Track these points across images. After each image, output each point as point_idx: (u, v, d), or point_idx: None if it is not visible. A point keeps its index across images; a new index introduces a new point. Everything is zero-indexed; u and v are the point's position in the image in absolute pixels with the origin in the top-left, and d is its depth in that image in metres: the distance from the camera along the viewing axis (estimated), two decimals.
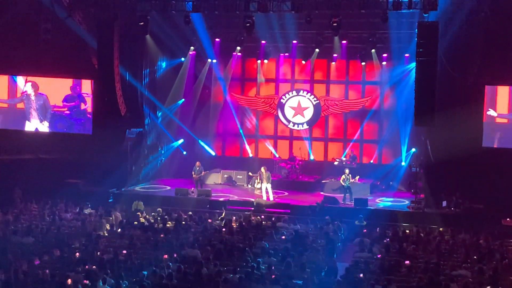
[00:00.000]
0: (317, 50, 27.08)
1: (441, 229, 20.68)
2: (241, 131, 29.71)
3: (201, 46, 28.13)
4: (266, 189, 24.55)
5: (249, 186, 27.06)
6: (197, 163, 25.95)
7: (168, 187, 25.97)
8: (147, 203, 23.03)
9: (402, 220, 22.18)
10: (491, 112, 23.56)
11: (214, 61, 29.02)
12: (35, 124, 26.97)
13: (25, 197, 23.57)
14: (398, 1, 21.01)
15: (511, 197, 22.37)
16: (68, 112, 26.89)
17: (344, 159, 27.37)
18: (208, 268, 14.95)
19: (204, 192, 24.67)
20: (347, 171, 24.61)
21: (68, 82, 26.81)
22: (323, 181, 26.83)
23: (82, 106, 26.74)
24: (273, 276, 14.43)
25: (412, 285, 14.42)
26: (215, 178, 27.84)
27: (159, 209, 22.18)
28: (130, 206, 22.81)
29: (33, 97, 26.93)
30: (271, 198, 24.46)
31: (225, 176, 27.96)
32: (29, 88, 26.99)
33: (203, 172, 25.97)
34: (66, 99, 26.94)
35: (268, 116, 29.80)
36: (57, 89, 26.96)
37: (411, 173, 24.60)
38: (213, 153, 29.75)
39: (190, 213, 21.31)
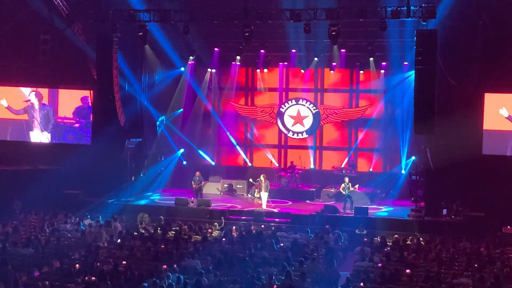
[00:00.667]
0: (316, 59, 27.12)
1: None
2: (233, 141, 29.70)
3: (201, 56, 28.19)
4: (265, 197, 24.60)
5: (249, 195, 27.00)
6: (197, 173, 25.96)
7: (172, 197, 25.83)
8: (145, 213, 22.97)
9: (402, 228, 22.10)
10: (503, 112, 23.54)
11: (213, 70, 29.06)
12: (37, 134, 27.05)
13: (24, 208, 23.51)
14: (397, 9, 21.06)
15: None
16: (77, 124, 26.94)
17: (343, 167, 27.32)
18: (208, 278, 14.89)
19: (204, 202, 24.61)
20: (346, 179, 24.58)
21: (79, 93, 26.91)
22: (323, 190, 26.84)
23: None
24: (274, 286, 14.37)
25: None
26: (215, 188, 27.78)
27: (161, 216, 22.18)
28: (130, 217, 22.81)
29: (36, 107, 27.01)
30: (264, 207, 24.46)
31: (225, 185, 27.93)
32: (33, 98, 27.06)
33: (203, 182, 25.94)
34: (76, 110, 27.01)
35: (268, 125, 29.75)
36: (66, 100, 26.99)
37: (411, 181, 24.55)
38: (213, 163, 29.72)
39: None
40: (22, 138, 27.28)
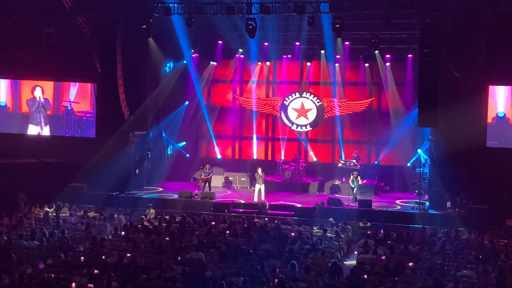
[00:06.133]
0: (322, 51, 27.07)
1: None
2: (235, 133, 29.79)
3: (204, 49, 28.17)
4: (260, 190, 24.58)
5: (253, 188, 27.02)
6: (207, 165, 26.07)
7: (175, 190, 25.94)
8: (149, 205, 23.05)
9: (406, 221, 22.11)
10: None
11: (214, 63, 29.02)
12: (42, 128, 27.21)
13: (29, 201, 23.56)
14: (401, 1, 20.99)
15: None
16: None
17: (348, 160, 27.28)
18: (213, 270, 14.93)
19: (208, 195, 24.66)
20: (355, 173, 24.53)
21: None
22: (326, 183, 26.87)
23: None
24: (275, 280, 14.38)
25: (417, 286, 14.41)
26: (218, 180, 27.81)
27: (163, 213, 22.31)
28: (134, 209, 22.87)
29: (41, 101, 27.15)
30: (263, 198, 24.51)
31: (229, 178, 27.96)
32: (39, 92, 27.16)
33: (211, 174, 26.00)
34: None
35: (271, 118, 29.70)
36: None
37: (415, 173, 24.56)
38: (219, 156, 29.68)
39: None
40: (17, 130, 27.41)
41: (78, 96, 27.29)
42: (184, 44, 27.26)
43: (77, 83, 27.18)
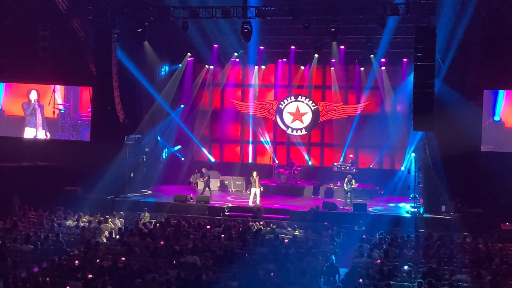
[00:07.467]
0: (316, 55, 27.10)
1: None
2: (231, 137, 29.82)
3: (199, 52, 28.18)
4: (255, 193, 24.57)
5: (248, 192, 27.00)
6: (203, 169, 26.11)
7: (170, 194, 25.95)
8: (144, 208, 23.02)
9: (401, 225, 22.12)
10: None
11: (212, 67, 29.04)
12: (37, 131, 27.16)
13: (23, 204, 23.51)
14: (396, 6, 21.05)
15: (511, 201, 22.36)
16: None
17: (343, 164, 27.29)
18: (208, 274, 14.92)
19: (203, 198, 24.65)
20: (349, 176, 24.55)
21: None
22: (321, 186, 26.86)
23: None
24: (266, 284, 14.38)
25: None
26: (213, 184, 27.77)
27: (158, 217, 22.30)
28: (129, 213, 22.84)
29: (36, 105, 27.13)
30: (258, 202, 24.49)
31: (224, 182, 27.95)
32: (34, 95, 27.13)
33: (205, 178, 26.00)
34: None
35: (266, 122, 29.72)
36: (87, 98, 27.03)
37: (410, 177, 24.60)
38: (212, 160, 29.70)
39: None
40: (14, 134, 27.39)
41: (64, 100, 27.29)
42: (180, 47, 27.23)
43: (58, 87, 27.08)
